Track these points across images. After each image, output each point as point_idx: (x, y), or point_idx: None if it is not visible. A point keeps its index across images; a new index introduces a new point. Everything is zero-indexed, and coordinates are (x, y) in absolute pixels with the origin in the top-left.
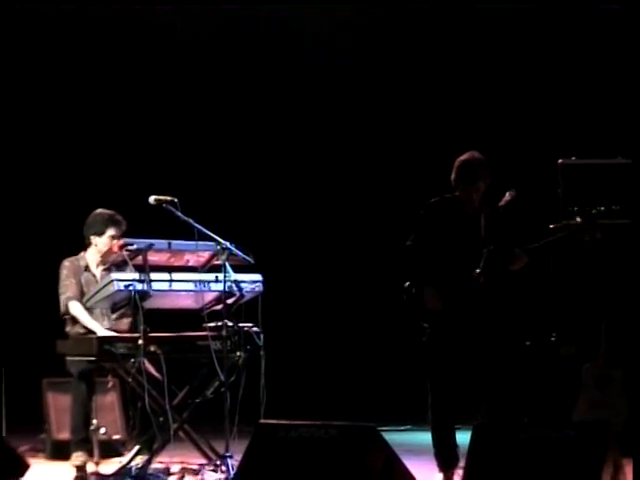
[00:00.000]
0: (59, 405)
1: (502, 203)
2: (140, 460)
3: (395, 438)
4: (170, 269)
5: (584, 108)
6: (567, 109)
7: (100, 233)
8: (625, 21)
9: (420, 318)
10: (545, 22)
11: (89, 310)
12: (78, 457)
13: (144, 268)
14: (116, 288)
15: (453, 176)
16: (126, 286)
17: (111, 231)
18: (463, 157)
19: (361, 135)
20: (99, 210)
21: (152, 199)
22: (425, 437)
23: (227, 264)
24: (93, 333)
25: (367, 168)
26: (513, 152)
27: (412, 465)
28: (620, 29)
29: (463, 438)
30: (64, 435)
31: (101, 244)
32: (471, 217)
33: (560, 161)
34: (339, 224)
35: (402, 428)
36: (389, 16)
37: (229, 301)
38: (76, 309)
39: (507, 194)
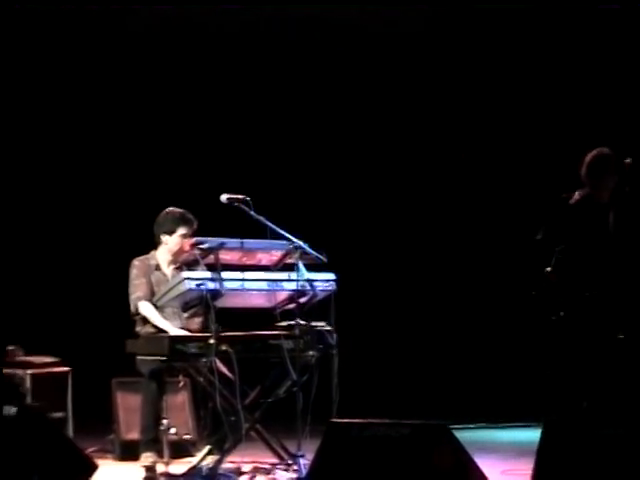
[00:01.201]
0: (128, 405)
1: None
2: (211, 460)
3: (467, 436)
4: (242, 268)
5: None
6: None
7: (171, 232)
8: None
9: (552, 309)
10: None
11: (160, 309)
12: (147, 457)
13: (216, 267)
14: (188, 287)
15: (583, 172)
16: (198, 285)
17: (182, 230)
18: (592, 153)
19: (432, 132)
20: (170, 209)
21: (224, 198)
22: (497, 435)
23: (300, 263)
24: (164, 332)
25: (441, 166)
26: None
27: (483, 463)
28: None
29: (527, 435)
30: (133, 435)
31: (172, 243)
32: (600, 213)
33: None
34: (412, 222)
35: (473, 426)
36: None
37: (302, 300)
38: (146, 309)
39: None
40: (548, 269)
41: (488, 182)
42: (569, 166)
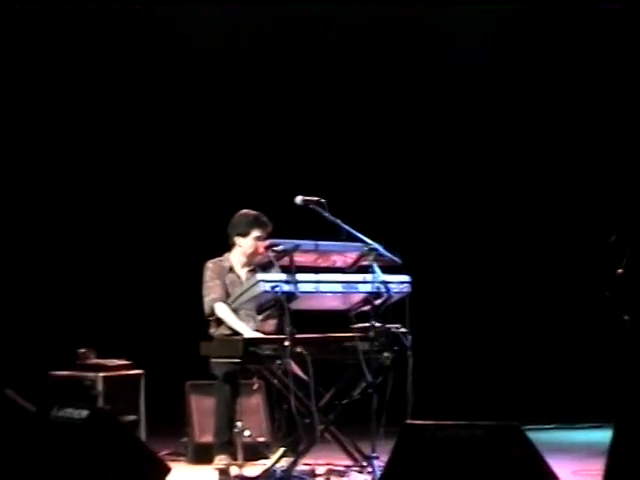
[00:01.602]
0: (202, 408)
1: None
2: (285, 462)
3: (539, 437)
4: (317, 270)
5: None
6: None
7: (245, 234)
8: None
9: (624, 310)
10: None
11: (234, 311)
12: (221, 460)
13: (290, 269)
14: (262, 289)
15: None
16: (272, 287)
17: (256, 232)
18: None
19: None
20: (244, 211)
21: (299, 199)
22: (570, 435)
23: (375, 265)
24: (238, 335)
25: (515, 166)
26: None
27: (555, 464)
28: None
29: (599, 436)
30: (207, 438)
31: (245, 245)
32: None
33: None
34: (487, 223)
35: (547, 427)
36: None
37: (377, 302)
38: (223, 310)
39: None
40: (620, 270)
41: (565, 183)
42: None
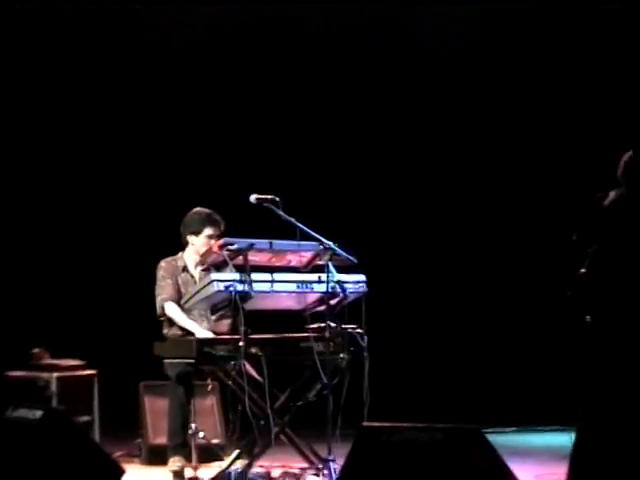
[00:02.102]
0: (156, 409)
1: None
2: (240, 465)
3: (500, 440)
4: (271, 269)
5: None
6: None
7: (197, 232)
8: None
9: (586, 311)
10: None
11: (188, 311)
12: (175, 462)
13: (245, 268)
14: (216, 289)
15: (619, 171)
16: (226, 287)
17: (208, 230)
18: (629, 153)
19: (466, 126)
20: (196, 209)
21: (253, 198)
22: (532, 439)
23: (330, 264)
24: (191, 335)
25: (474, 160)
26: None
27: (516, 468)
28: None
29: (561, 439)
30: (161, 440)
31: (198, 244)
32: (636, 214)
33: None
34: (443, 222)
35: (508, 430)
36: None
37: (332, 302)
38: (172, 310)
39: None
40: (582, 270)
41: (522, 181)
42: (603, 166)
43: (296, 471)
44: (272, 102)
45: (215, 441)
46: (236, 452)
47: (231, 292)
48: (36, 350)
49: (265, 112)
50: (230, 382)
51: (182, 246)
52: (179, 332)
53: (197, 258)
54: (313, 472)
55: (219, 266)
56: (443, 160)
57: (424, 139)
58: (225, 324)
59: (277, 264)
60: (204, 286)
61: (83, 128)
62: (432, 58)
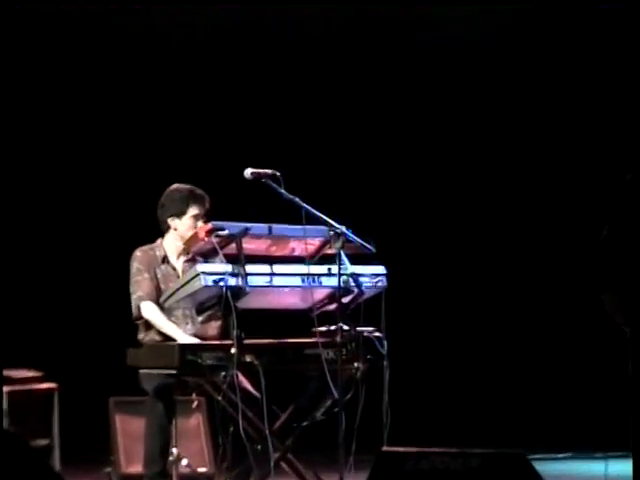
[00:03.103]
0: (130, 430)
1: None
2: None
3: (550, 469)
4: (271, 260)
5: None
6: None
7: (180, 214)
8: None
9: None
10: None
11: (168, 312)
12: None
13: (238, 258)
14: (203, 284)
15: None
16: (215, 281)
17: (194, 209)
18: None
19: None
20: (174, 186)
21: (248, 173)
22: (588, 467)
23: (343, 253)
24: (173, 340)
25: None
26: None
27: None
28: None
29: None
30: (135, 468)
31: (183, 227)
32: None
33: None
34: (478, 202)
35: (560, 456)
36: None
37: (345, 299)
38: (150, 311)
39: None
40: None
41: (555, 175)
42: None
43: None
44: (268, 67)
45: (202, 470)
46: None
47: (222, 287)
48: None
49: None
50: (220, 397)
51: (161, 232)
52: (158, 337)
53: (180, 246)
54: None
55: (207, 256)
56: (473, 140)
57: (447, 122)
58: (214, 327)
59: (278, 253)
60: (188, 280)
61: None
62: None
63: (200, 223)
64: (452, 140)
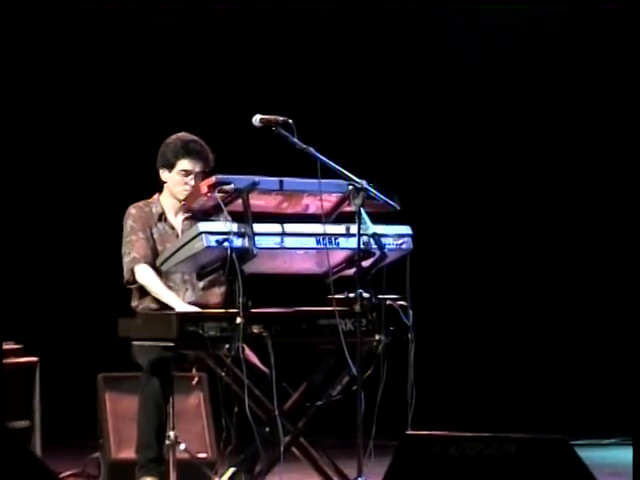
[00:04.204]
0: (121, 411)
1: None
2: None
3: (595, 456)
4: (282, 218)
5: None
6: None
7: (170, 166)
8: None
9: None
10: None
11: (166, 276)
12: None
13: (245, 216)
14: (205, 245)
15: None
16: (219, 242)
17: (184, 163)
18: None
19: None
20: (174, 135)
21: (257, 120)
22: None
23: (363, 211)
24: (170, 309)
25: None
26: None
27: None
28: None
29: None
30: (127, 453)
31: (171, 181)
32: None
33: None
34: (514, 156)
35: (605, 442)
36: None
37: (365, 263)
38: (145, 275)
39: None
40: None
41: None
42: None
43: None
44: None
45: (202, 455)
46: (231, 471)
47: (226, 249)
48: None
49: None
50: (223, 373)
51: (159, 187)
52: (153, 305)
53: (176, 203)
54: None
55: (210, 213)
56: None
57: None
58: (217, 294)
59: (290, 211)
60: (189, 241)
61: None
62: None
63: (193, 181)
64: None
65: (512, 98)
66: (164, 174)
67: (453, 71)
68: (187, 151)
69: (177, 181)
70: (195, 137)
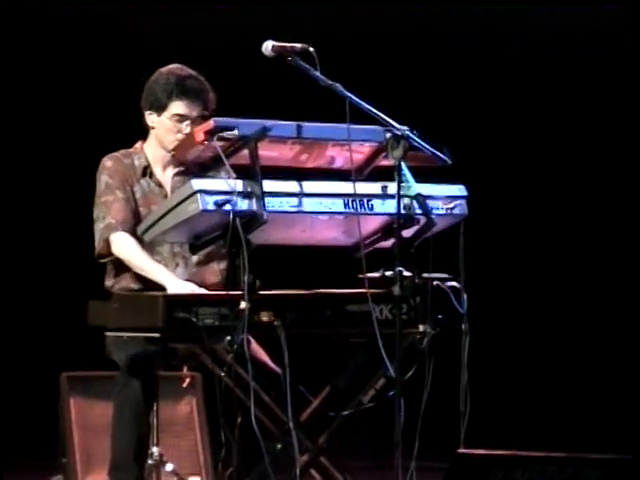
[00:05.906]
0: (90, 420)
1: None
2: None
3: None
4: (300, 174)
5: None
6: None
7: (160, 108)
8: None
9: None
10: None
11: (150, 248)
12: None
13: (253, 172)
14: (201, 207)
15: None
16: (219, 204)
17: (177, 106)
18: None
19: None
20: (166, 68)
21: (268, 47)
22: None
23: (405, 167)
24: (157, 289)
25: None
26: None
27: None
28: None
29: None
30: (97, 476)
31: (160, 128)
32: None
33: None
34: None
35: None
36: None
37: (407, 233)
38: (124, 246)
39: None
40: None
41: None
42: None
43: None
44: None
45: (194, 479)
46: None
47: (228, 213)
48: None
49: None
50: (223, 374)
51: (144, 133)
52: (134, 284)
53: (166, 154)
54: None
55: (207, 167)
56: None
57: None
58: (216, 271)
59: (310, 165)
60: (180, 202)
61: None
62: None
63: (188, 129)
64: None
65: None
66: (151, 117)
67: None
68: (183, 90)
69: (168, 127)
70: (193, 72)
